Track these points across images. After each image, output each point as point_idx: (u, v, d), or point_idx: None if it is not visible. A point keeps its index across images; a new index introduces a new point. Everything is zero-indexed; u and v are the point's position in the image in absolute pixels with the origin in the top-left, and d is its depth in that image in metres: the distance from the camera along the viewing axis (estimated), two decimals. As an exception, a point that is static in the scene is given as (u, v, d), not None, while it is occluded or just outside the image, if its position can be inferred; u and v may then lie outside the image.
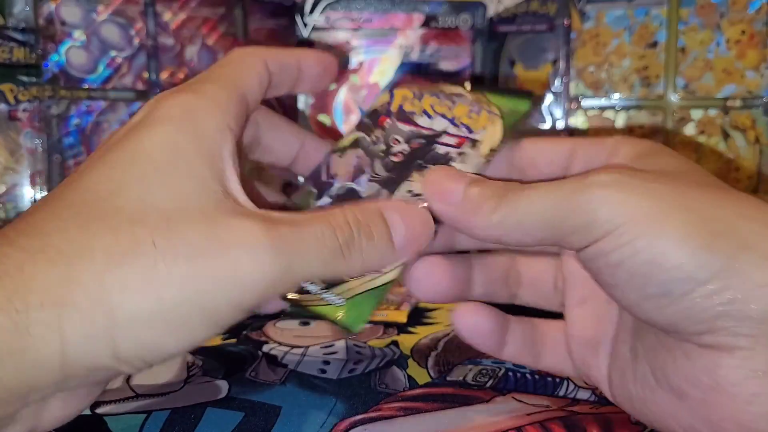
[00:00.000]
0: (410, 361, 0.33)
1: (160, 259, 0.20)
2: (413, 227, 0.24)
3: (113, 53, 0.53)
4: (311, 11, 0.58)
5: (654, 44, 0.56)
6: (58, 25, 0.50)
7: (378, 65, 0.58)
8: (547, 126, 0.61)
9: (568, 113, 0.60)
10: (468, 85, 0.30)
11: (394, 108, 0.30)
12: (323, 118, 0.59)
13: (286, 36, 0.62)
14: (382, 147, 0.28)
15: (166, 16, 0.55)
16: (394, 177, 0.27)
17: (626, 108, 0.58)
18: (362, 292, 0.23)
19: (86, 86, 0.52)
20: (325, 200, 0.27)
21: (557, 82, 0.60)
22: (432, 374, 0.31)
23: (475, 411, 0.28)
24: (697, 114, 0.56)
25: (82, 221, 0.20)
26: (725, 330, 0.20)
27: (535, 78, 0.60)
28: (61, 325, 0.19)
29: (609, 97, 0.58)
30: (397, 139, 0.28)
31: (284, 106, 0.63)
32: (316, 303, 0.23)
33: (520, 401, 0.28)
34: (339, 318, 0.23)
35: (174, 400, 0.28)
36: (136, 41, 0.54)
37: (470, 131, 0.28)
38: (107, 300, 0.19)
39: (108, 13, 0.52)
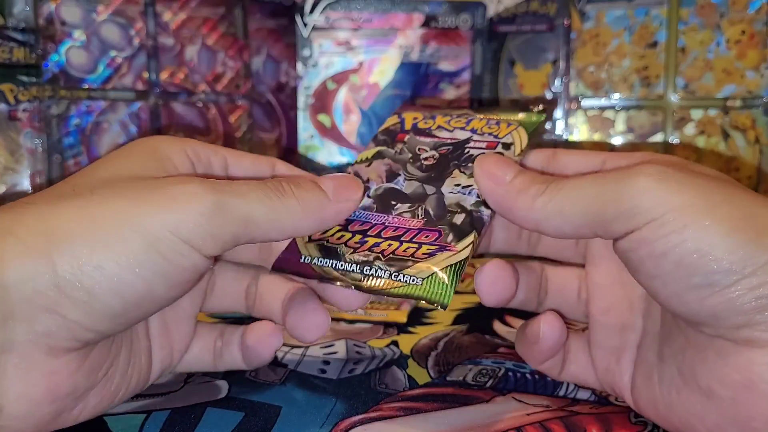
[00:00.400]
0: (410, 361, 0.33)
1: (97, 199, 0.21)
2: (341, 180, 0.25)
3: (113, 53, 0.53)
4: (311, 11, 0.58)
5: (654, 44, 0.56)
6: (58, 25, 0.50)
7: (378, 65, 0.58)
8: (546, 125, 0.61)
9: (568, 113, 0.60)
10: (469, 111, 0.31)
11: (408, 126, 0.30)
12: (323, 118, 0.59)
13: (286, 36, 0.62)
14: (409, 156, 0.29)
15: (166, 16, 0.55)
16: (434, 175, 0.28)
17: (626, 108, 0.58)
18: (438, 270, 0.23)
19: (86, 86, 0.52)
20: (366, 201, 0.27)
21: (557, 82, 0.60)
22: (432, 374, 0.32)
23: (475, 411, 0.28)
24: (697, 114, 0.56)
25: (36, 195, 0.23)
26: (764, 324, 0.20)
27: (535, 78, 0.60)
28: (0, 250, 0.20)
29: (609, 97, 0.58)
30: (423, 148, 0.29)
31: (284, 106, 0.63)
32: (396, 287, 0.23)
33: (520, 401, 0.28)
34: (425, 295, 0.23)
35: (174, 400, 0.28)
36: (136, 41, 0.54)
37: (497, 137, 0.29)
38: (45, 226, 0.21)
39: (108, 13, 0.52)
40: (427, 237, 0.25)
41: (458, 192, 0.26)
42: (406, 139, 0.30)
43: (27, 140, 0.50)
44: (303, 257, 0.25)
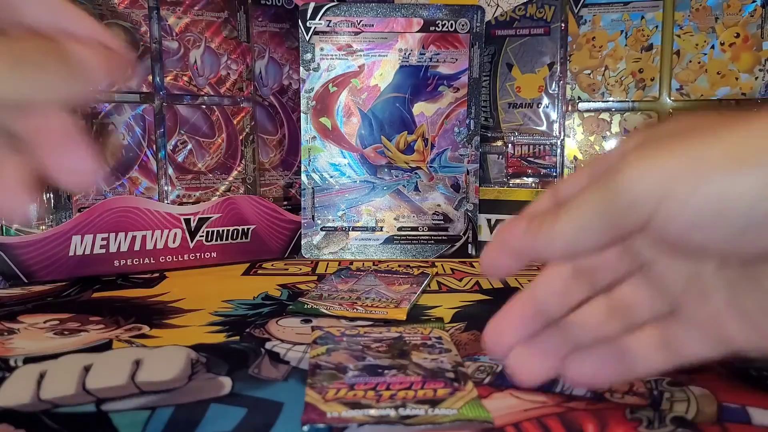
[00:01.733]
0: (410, 359, 0.33)
1: None
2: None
3: (117, 57, 0.53)
4: (313, 15, 0.58)
5: (649, 47, 0.57)
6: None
7: (378, 68, 0.59)
8: (543, 128, 0.61)
9: (564, 115, 0.60)
10: None
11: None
12: (325, 120, 0.60)
13: (289, 39, 0.63)
14: (359, 347, 0.33)
15: (171, 19, 0.56)
16: (396, 354, 0.32)
17: (621, 110, 0.58)
18: (464, 404, 0.27)
19: (90, 89, 0.53)
20: (354, 372, 0.30)
21: (554, 85, 0.60)
22: (431, 371, 0.32)
23: (472, 406, 0.28)
24: (692, 116, 0.56)
25: None
26: None
27: (532, 81, 0.61)
28: None
29: (605, 100, 0.59)
30: (369, 341, 0.34)
31: (286, 109, 0.63)
32: (437, 418, 0.26)
33: (518, 397, 0.29)
34: (471, 417, 0.26)
35: (178, 397, 0.28)
36: (141, 44, 0.54)
37: (424, 334, 0.36)
38: None
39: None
40: (435, 385, 0.28)
41: (432, 361, 0.31)
42: (344, 341, 0.34)
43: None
44: (329, 414, 0.26)
